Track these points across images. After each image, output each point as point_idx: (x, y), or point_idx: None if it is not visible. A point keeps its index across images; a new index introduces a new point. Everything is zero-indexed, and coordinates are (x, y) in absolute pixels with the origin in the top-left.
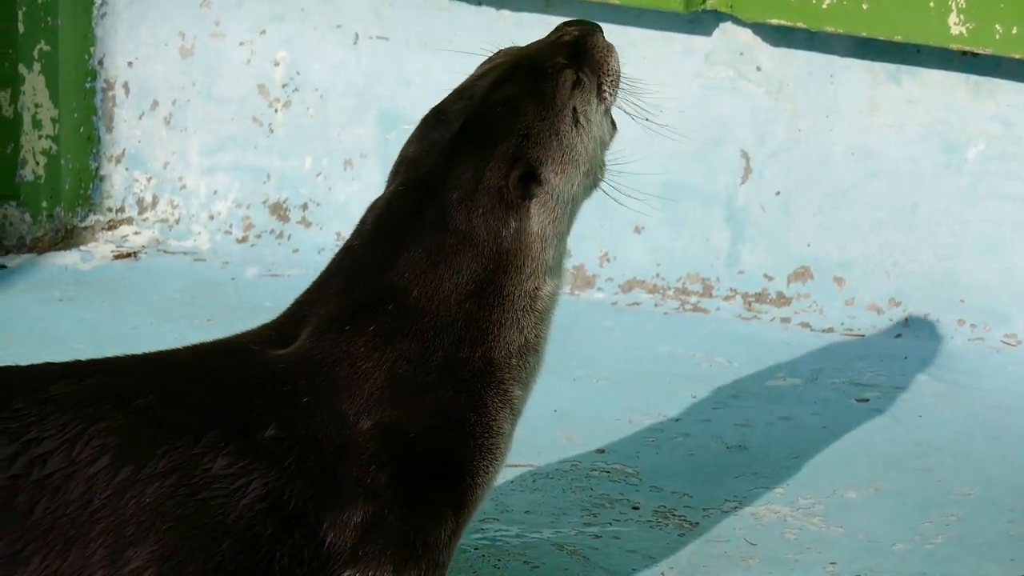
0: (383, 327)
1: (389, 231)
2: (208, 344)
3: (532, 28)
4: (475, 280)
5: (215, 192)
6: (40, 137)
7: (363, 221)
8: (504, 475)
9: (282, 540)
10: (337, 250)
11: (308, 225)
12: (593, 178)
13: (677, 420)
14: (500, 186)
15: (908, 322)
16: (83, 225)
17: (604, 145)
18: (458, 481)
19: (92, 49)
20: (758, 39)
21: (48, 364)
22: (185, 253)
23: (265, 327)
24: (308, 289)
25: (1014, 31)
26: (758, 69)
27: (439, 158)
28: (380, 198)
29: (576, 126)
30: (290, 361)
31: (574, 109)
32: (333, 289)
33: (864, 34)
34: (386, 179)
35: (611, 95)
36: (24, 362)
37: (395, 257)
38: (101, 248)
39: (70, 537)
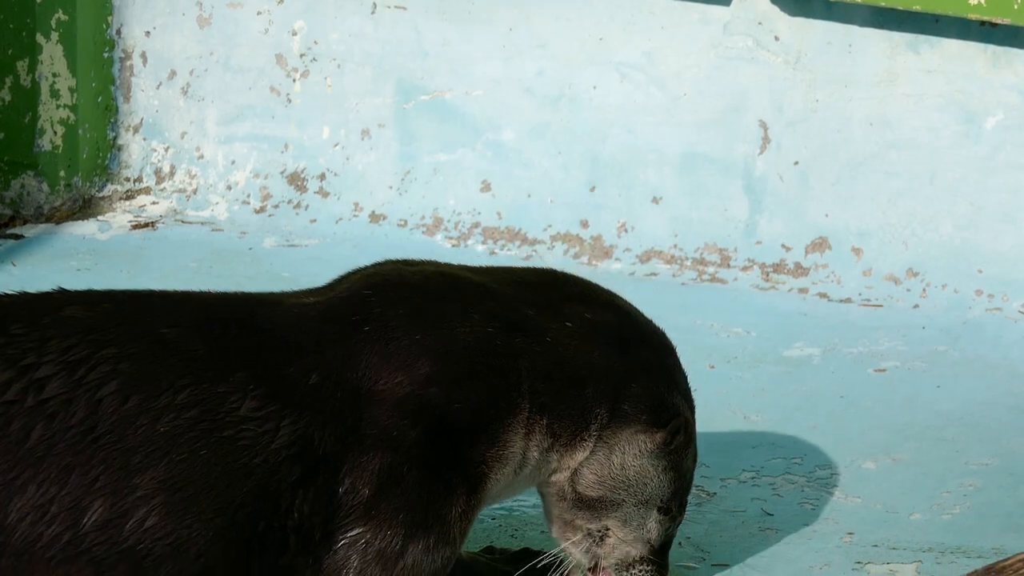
0: (437, 294)
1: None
2: (239, 293)
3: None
4: (603, 377)
5: (233, 162)
6: (58, 107)
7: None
8: None
9: (306, 487)
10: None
11: (326, 195)
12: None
13: (695, 390)
14: (671, 413)
15: (926, 292)
16: (101, 195)
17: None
18: (477, 463)
19: (110, 19)
20: (776, 9)
21: (60, 290)
22: (203, 223)
23: (301, 291)
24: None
25: None
26: (776, 39)
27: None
28: None
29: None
30: (330, 307)
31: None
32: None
33: (882, 4)
34: (404, 150)
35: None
36: None
37: (567, 299)
38: (119, 218)
39: (68, 464)
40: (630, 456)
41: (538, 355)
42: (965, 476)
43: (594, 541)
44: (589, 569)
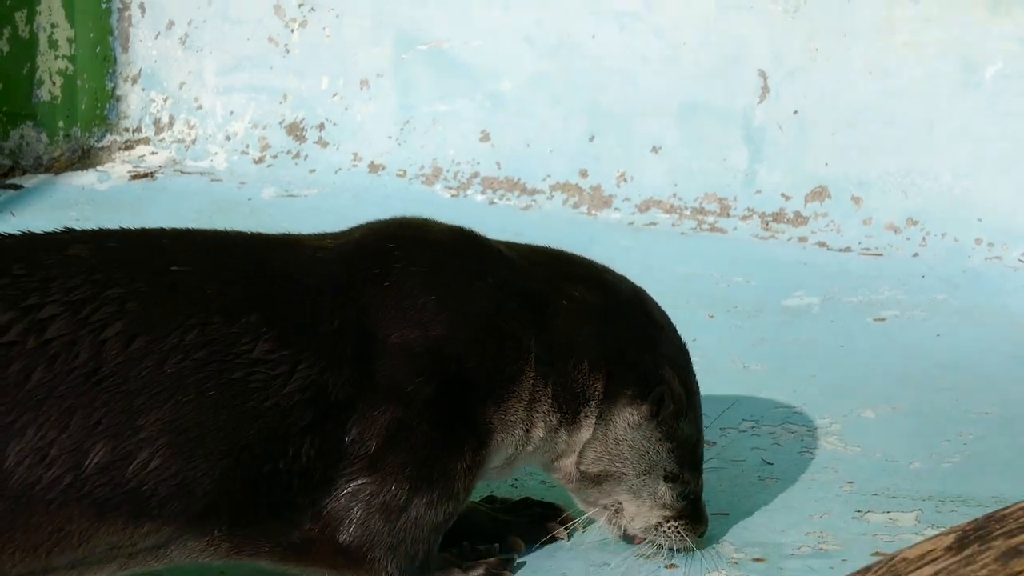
0: (458, 255)
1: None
2: (254, 233)
3: None
4: (601, 357)
5: (231, 112)
6: (56, 57)
7: None
8: None
9: (314, 432)
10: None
11: (325, 145)
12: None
13: (694, 340)
14: (654, 381)
15: (925, 241)
16: (100, 145)
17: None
18: (484, 424)
19: None
20: None
21: (66, 229)
22: (202, 173)
23: (321, 234)
24: None
25: None
26: None
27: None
28: None
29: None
30: (352, 256)
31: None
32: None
33: None
34: (402, 100)
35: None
36: None
37: (563, 276)
38: (118, 168)
39: (70, 407)
40: (622, 430)
41: (544, 327)
42: (964, 425)
43: (612, 514)
44: (623, 538)
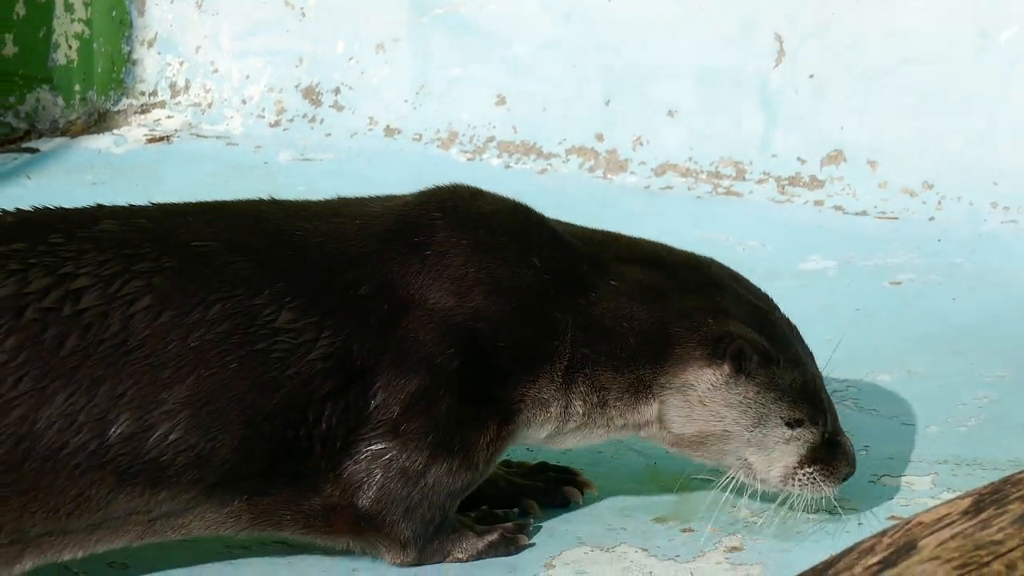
0: (504, 231)
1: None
2: (276, 204)
3: None
4: (652, 327)
5: (247, 76)
6: (72, 21)
7: None
8: None
9: (337, 399)
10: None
11: (340, 109)
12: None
13: None
14: (720, 337)
15: (941, 205)
16: (116, 109)
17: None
18: (512, 400)
19: None
20: None
21: (99, 206)
22: (218, 137)
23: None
24: None
25: None
26: None
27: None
28: None
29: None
30: (394, 223)
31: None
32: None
33: None
34: (418, 64)
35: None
36: None
37: (619, 257)
38: (134, 132)
39: (99, 376)
40: (706, 392)
41: (584, 309)
42: (980, 388)
43: (745, 471)
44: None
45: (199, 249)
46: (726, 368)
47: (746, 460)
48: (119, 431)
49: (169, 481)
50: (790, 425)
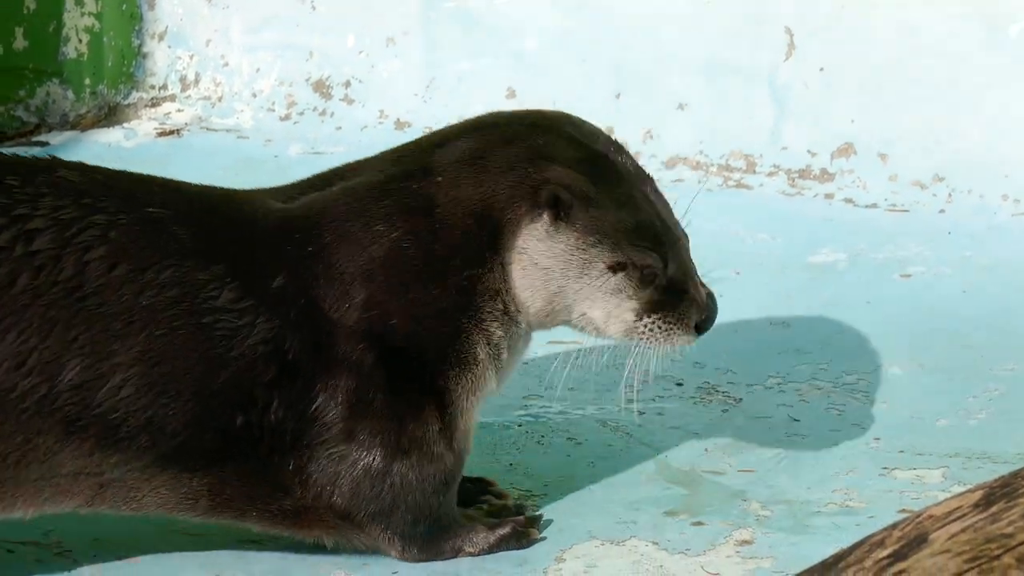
0: (402, 201)
1: (448, 132)
2: (223, 189)
3: None
4: (484, 206)
5: (258, 70)
6: (83, 14)
7: None
8: (547, 352)
9: (281, 389)
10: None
11: (351, 102)
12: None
13: (720, 296)
14: (538, 185)
15: (952, 197)
16: (126, 103)
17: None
18: (437, 379)
19: None
20: None
21: (56, 159)
22: (228, 131)
23: (278, 188)
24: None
25: None
26: None
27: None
28: None
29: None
30: (303, 212)
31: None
32: (364, 163)
33: None
34: (428, 57)
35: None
36: None
37: (438, 147)
38: (144, 126)
39: (51, 318)
40: (535, 249)
41: (434, 234)
42: (991, 381)
43: (592, 331)
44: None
45: (153, 214)
46: (546, 218)
47: (586, 316)
48: (69, 378)
49: (120, 443)
50: (612, 270)
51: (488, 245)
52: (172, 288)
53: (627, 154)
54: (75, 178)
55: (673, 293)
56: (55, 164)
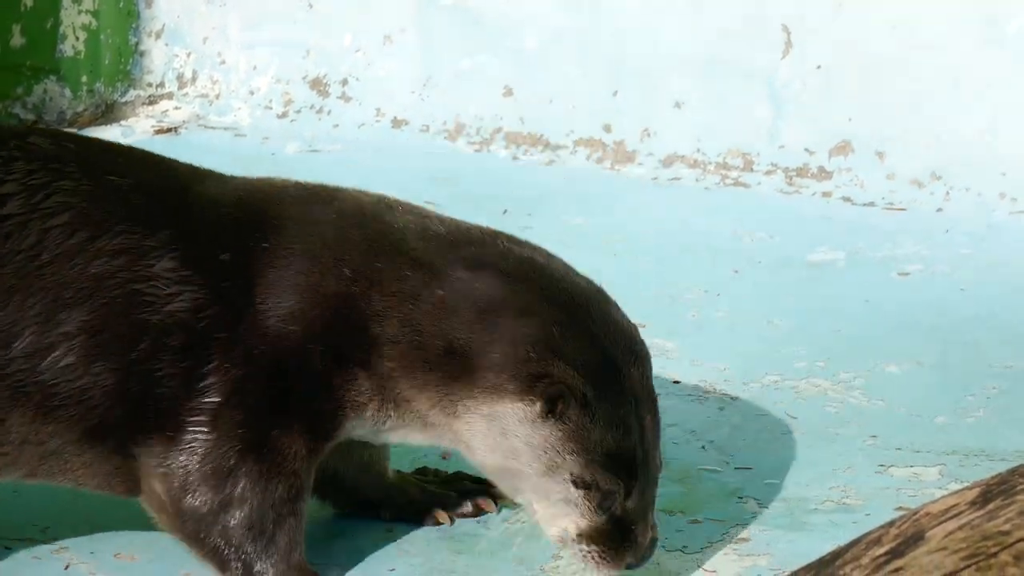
0: (388, 266)
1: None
2: (194, 167)
3: None
4: (465, 349)
5: (255, 67)
6: (80, 12)
7: None
8: None
9: (180, 359)
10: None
11: (348, 100)
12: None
13: (718, 295)
14: (540, 376)
15: (949, 195)
16: (123, 100)
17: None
18: (319, 408)
19: None
20: None
21: (32, 126)
22: (225, 128)
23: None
24: None
25: None
26: None
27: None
28: None
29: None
30: (256, 201)
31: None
32: (388, 204)
33: None
34: (425, 55)
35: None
36: None
37: (464, 263)
38: (142, 123)
39: (11, 287)
40: (511, 424)
41: (401, 319)
42: (989, 379)
43: (532, 511)
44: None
45: (114, 182)
46: (538, 407)
47: (532, 505)
48: (22, 345)
49: (55, 413)
50: (575, 484)
51: (444, 370)
52: (120, 256)
53: (642, 362)
54: (46, 144)
55: (620, 526)
56: (28, 131)
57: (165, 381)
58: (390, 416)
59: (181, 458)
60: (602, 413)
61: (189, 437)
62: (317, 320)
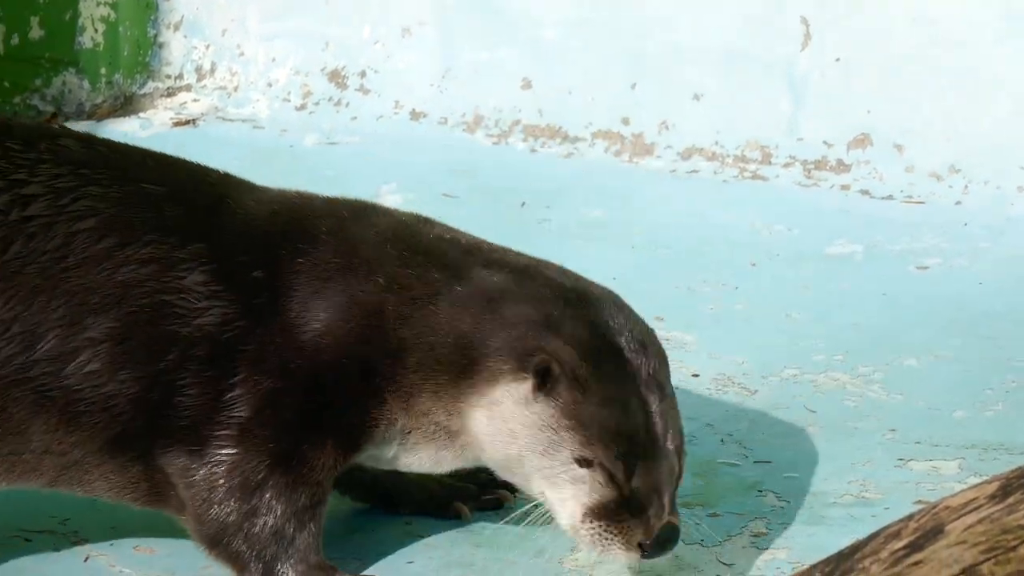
0: (415, 277)
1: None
2: (228, 176)
3: None
4: (473, 341)
5: (273, 59)
6: (99, 4)
7: None
8: None
9: (208, 371)
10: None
11: (366, 92)
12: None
13: (736, 288)
14: (532, 351)
15: (968, 189)
16: (142, 92)
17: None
18: (351, 419)
19: None
20: None
21: (63, 128)
22: (244, 120)
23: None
24: None
25: None
26: None
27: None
28: None
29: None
30: (290, 216)
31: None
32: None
33: None
34: (444, 47)
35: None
36: None
37: (483, 266)
38: (160, 115)
39: (36, 287)
40: (509, 407)
41: (420, 323)
42: (1008, 373)
43: (548, 506)
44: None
45: (146, 190)
46: (530, 384)
47: (544, 494)
48: (47, 347)
49: (79, 420)
50: (579, 463)
51: (454, 369)
52: (149, 265)
53: (652, 356)
54: (76, 147)
55: (630, 507)
56: (60, 133)
57: (191, 392)
58: (415, 430)
59: (207, 470)
60: (599, 390)
61: (215, 449)
62: (352, 334)
